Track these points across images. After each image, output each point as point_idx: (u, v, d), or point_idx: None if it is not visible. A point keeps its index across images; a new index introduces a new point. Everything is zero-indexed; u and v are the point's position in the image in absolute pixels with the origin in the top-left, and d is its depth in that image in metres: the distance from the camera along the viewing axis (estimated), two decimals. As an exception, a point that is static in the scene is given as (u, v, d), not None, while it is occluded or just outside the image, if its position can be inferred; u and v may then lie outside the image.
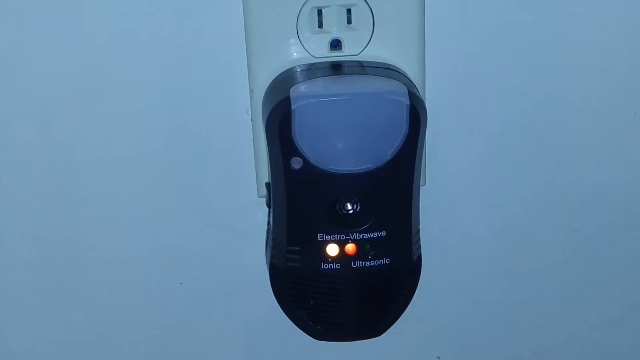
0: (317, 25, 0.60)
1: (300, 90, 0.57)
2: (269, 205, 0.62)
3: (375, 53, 0.61)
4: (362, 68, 0.60)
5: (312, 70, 0.60)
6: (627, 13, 0.64)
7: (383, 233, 0.60)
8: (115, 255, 0.68)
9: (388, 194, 0.60)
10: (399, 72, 0.60)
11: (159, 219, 0.67)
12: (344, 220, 0.60)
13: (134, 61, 0.62)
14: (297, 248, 0.61)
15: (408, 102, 0.57)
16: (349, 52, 0.61)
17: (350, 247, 0.60)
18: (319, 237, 0.60)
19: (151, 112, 0.64)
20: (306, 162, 0.58)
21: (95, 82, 0.63)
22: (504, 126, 0.66)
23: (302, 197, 0.59)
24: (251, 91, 0.62)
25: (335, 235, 0.60)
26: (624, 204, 0.70)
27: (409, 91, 0.57)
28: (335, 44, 0.61)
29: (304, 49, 0.61)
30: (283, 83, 0.59)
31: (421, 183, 0.63)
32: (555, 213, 0.70)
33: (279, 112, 0.57)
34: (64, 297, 0.69)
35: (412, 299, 0.64)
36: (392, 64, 0.61)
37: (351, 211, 0.60)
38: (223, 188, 0.66)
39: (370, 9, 0.60)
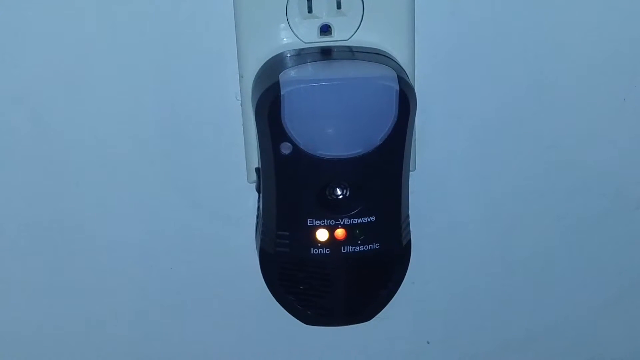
0: (306, 10, 0.60)
1: (289, 75, 0.57)
2: (258, 191, 0.63)
3: (365, 38, 0.61)
4: (352, 53, 0.60)
5: (302, 56, 0.60)
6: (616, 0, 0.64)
7: (372, 218, 0.61)
8: (106, 240, 0.68)
9: (377, 179, 0.60)
10: (388, 58, 0.60)
11: (149, 204, 0.67)
12: (333, 206, 0.60)
13: (123, 46, 0.62)
14: (287, 233, 0.61)
15: (397, 88, 0.57)
16: (339, 37, 0.61)
17: (339, 232, 0.61)
18: (308, 222, 0.60)
19: (140, 97, 0.64)
20: (296, 148, 0.58)
21: (84, 68, 0.63)
22: (493, 112, 0.67)
23: (291, 182, 0.59)
24: (241, 76, 0.62)
25: (325, 221, 0.60)
26: (614, 190, 0.70)
27: (398, 76, 0.57)
28: (325, 29, 0.61)
29: (294, 34, 0.61)
30: (273, 68, 0.59)
31: (411, 168, 0.63)
32: (545, 199, 0.70)
33: (268, 97, 0.57)
34: (53, 282, 0.69)
35: (402, 284, 0.64)
36: (382, 49, 0.61)
37: (341, 196, 0.60)
38: (213, 173, 0.66)
39: (360, -6, 0.60)
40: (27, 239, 0.68)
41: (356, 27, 0.61)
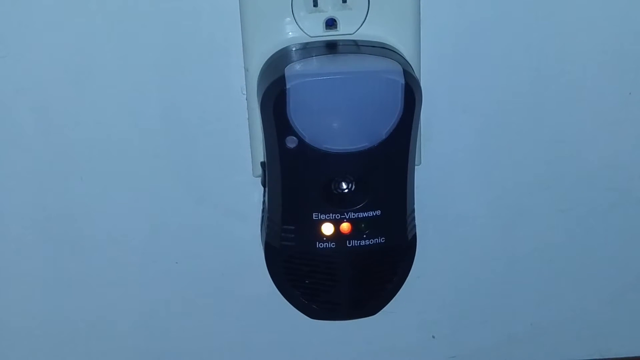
0: (312, 4, 0.60)
1: (295, 69, 0.58)
2: (264, 185, 0.63)
3: (370, 32, 0.61)
4: (357, 47, 0.60)
5: (307, 49, 0.60)
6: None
7: (378, 212, 0.61)
8: (111, 235, 0.68)
9: (383, 173, 0.60)
10: (394, 51, 0.60)
11: (154, 198, 0.67)
12: (339, 200, 0.60)
13: (129, 40, 0.62)
14: (292, 227, 0.61)
15: (403, 81, 0.57)
16: (344, 31, 0.61)
17: (345, 226, 0.61)
18: (314, 216, 0.60)
19: (146, 91, 0.64)
20: (301, 141, 0.58)
21: (89, 63, 0.63)
22: (498, 106, 0.67)
23: (297, 176, 0.59)
24: (246, 70, 0.62)
25: (330, 215, 0.60)
26: (618, 183, 0.70)
27: (404, 70, 0.57)
28: (331, 23, 0.61)
29: (299, 28, 0.61)
30: (278, 62, 0.59)
31: (416, 163, 0.63)
32: (551, 193, 0.70)
33: (273, 91, 0.57)
34: (59, 276, 0.69)
35: (407, 278, 0.64)
36: (387, 43, 0.61)
37: (346, 190, 0.60)
38: (218, 167, 0.66)
39: (365, -13, 0.60)
40: (32, 234, 0.68)
41: (362, 21, 0.61)
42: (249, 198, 0.66)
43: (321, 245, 0.61)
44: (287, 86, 0.56)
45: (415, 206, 0.63)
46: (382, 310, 0.65)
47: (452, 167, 0.68)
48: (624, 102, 0.67)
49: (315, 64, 0.59)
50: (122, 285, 0.70)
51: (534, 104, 0.67)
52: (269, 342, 0.73)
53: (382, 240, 0.61)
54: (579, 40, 0.65)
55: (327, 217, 0.60)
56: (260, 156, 0.63)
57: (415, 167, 0.62)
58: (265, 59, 0.61)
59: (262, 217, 0.65)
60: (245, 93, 0.63)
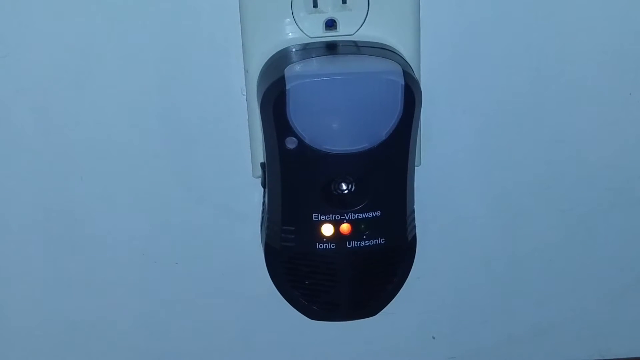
0: (312, 4, 0.60)
1: (295, 70, 0.57)
2: (264, 186, 0.63)
3: (370, 33, 0.61)
4: (357, 48, 0.60)
5: (307, 50, 0.60)
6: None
7: (378, 213, 0.61)
8: (111, 235, 0.68)
9: (383, 174, 0.60)
10: (393, 52, 0.60)
11: (154, 199, 0.67)
12: (338, 200, 0.60)
13: (129, 41, 0.62)
14: (292, 228, 0.61)
15: (403, 82, 0.57)
16: (344, 32, 0.61)
17: (345, 227, 0.61)
18: (313, 217, 0.60)
19: (146, 92, 0.64)
20: (301, 142, 0.58)
21: (89, 64, 0.63)
22: (498, 107, 0.66)
23: (297, 177, 0.59)
24: (246, 71, 0.62)
25: (330, 215, 0.60)
26: (618, 183, 0.70)
27: (403, 71, 0.57)
28: (330, 24, 0.61)
29: (299, 28, 0.61)
30: (278, 63, 0.59)
31: (416, 163, 0.63)
32: (551, 193, 0.70)
33: (273, 92, 0.57)
34: (59, 276, 0.69)
35: (407, 279, 0.64)
36: (387, 44, 0.61)
37: (346, 191, 0.60)
38: (218, 168, 0.66)
39: (365, -12, 0.60)
40: (32, 233, 0.68)
41: (361, 22, 0.61)
42: (249, 199, 0.66)
43: (321, 246, 0.61)
44: (287, 87, 0.56)
45: (415, 207, 0.63)
46: (382, 311, 0.65)
47: (452, 167, 0.68)
48: (624, 102, 0.67)
49: (315, 65, 0.59)
50: (122, 285, 0.70)
51: (534, 104, 0.67)
52: (269, 342, 0.73)
53: (382, 241, 0.61)
54: (579, 40, 0.65)
55: (327, 218, 0.60)
56: (260, 157, 0.63)
57: (415, 167, 0.62)
58: (265, 60, 0.61)
59: (262, 218, 0.65)
60: (245, 94, 0.63)
